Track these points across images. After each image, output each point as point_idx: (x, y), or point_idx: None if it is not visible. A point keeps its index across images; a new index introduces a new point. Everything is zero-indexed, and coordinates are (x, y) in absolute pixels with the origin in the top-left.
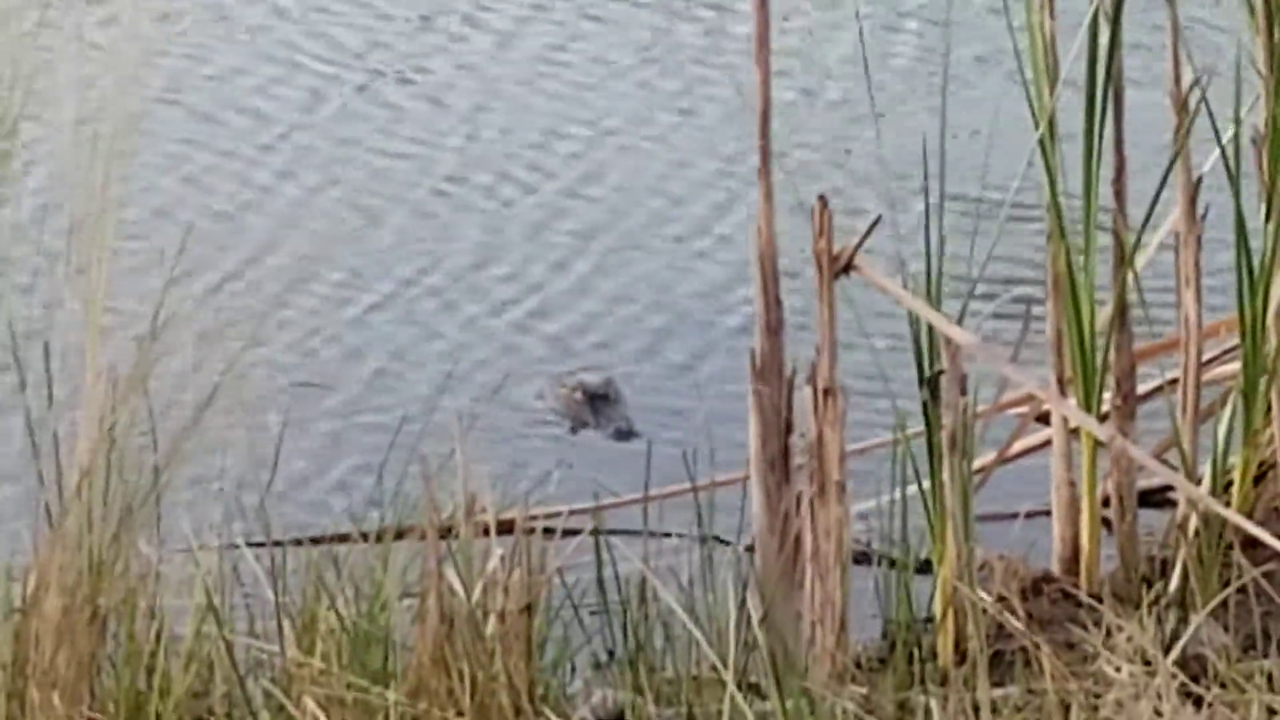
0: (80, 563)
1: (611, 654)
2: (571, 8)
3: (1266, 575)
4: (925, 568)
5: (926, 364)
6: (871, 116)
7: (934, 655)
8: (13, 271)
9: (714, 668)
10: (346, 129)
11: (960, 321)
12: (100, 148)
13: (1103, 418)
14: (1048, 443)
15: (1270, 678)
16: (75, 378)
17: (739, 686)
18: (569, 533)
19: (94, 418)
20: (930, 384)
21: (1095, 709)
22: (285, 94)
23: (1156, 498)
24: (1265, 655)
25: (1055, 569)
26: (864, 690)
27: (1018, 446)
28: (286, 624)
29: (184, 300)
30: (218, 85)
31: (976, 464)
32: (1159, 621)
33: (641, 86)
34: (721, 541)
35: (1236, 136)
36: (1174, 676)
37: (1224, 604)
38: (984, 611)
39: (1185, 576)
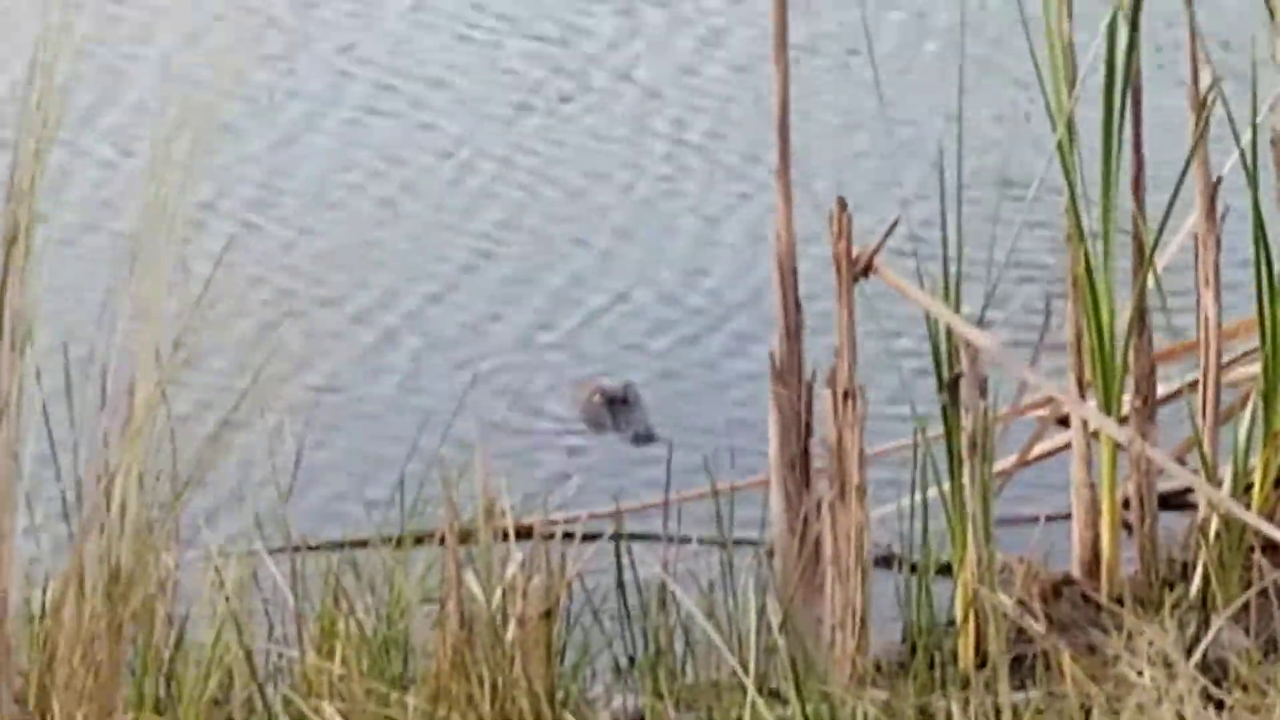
0: (100, 571)
1: (632, 659)
2: None
3: None
4: (945, 571)
5: (946, 367)
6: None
7: (955, 659)
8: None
9: (734, 673)
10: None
11: (980, 324)
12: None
13: (1122, 420)
14: (1067, 445)
15: None
16: (101, 386)
17: (759, 691)
18: (588, 537)
19: (117, 424)
20: (950, 387)
21: (1116, 713)
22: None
23: (1177, 500)
24: None
25: (1076, 572)
26: (885, 694)
27: (1037, 449)
28: (306, 630)
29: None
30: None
31: (996, 467)
32: (1180, 625)
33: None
34: (741, 545)
35: (1254, 137)
36: (1195, 680)
37: (1245, 607)
38: (1004, 615)
39: (1206, 579)
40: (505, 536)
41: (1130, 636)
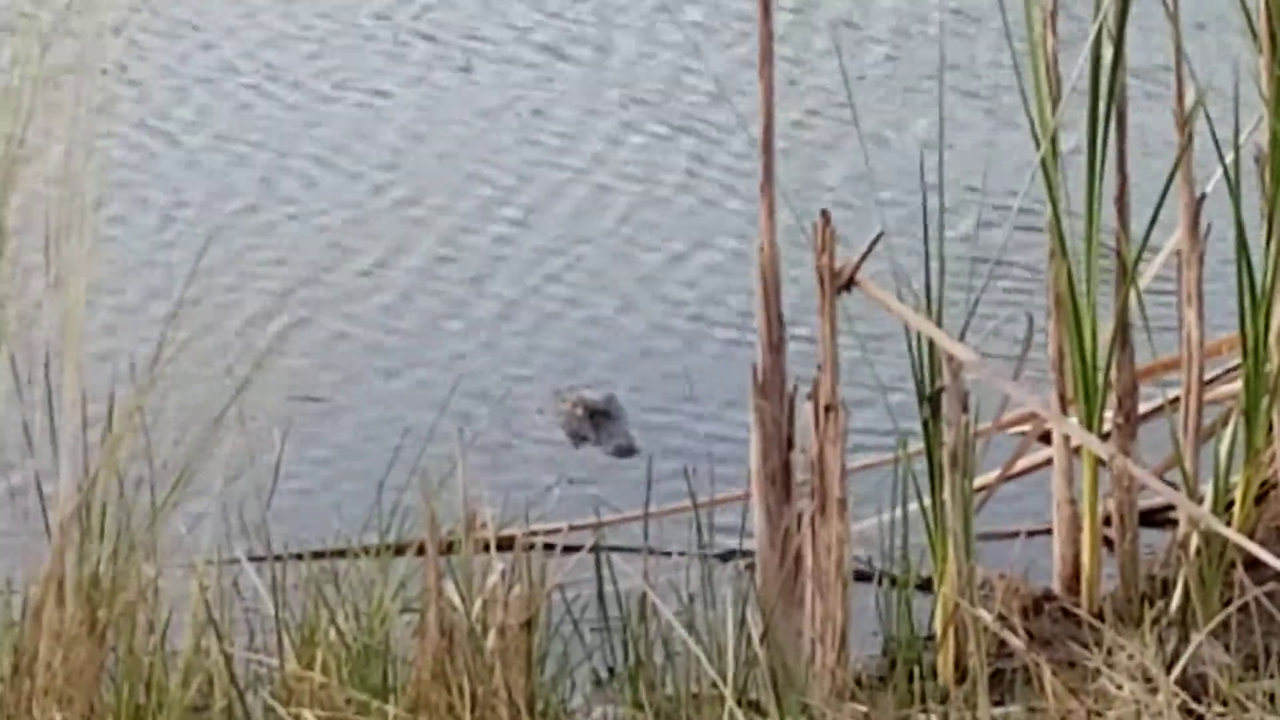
0: (80, 576)
1: (611, 670)
2: None
3: (1268, 594)
4: (926, 585)
5: (928, 381)
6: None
7: (935, 673)
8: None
9: (714, 684)
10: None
11: (962, 338)
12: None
13: (1104, 436)
14: (1049, 461)
15: (1272, 697)
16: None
17: (739, 704)
18: (569, 549)
19: (94, 430)
20: (931, 401)
21: None
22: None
23: (1158, 517)
24: (1267, 674)
25: (1056, 587)
26: (864, 708)
27: (1019, 465)
28: (286, 638)
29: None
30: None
31: (978, 482)
32: (1160, 640)
33: None
34: (722, 558)
35: (1236, 155)
36: (1175, 695)
37: (1225, 623)
38: (985, 629)
39: (1186, 595)
40: (486, 547)
41: (1110, 651)
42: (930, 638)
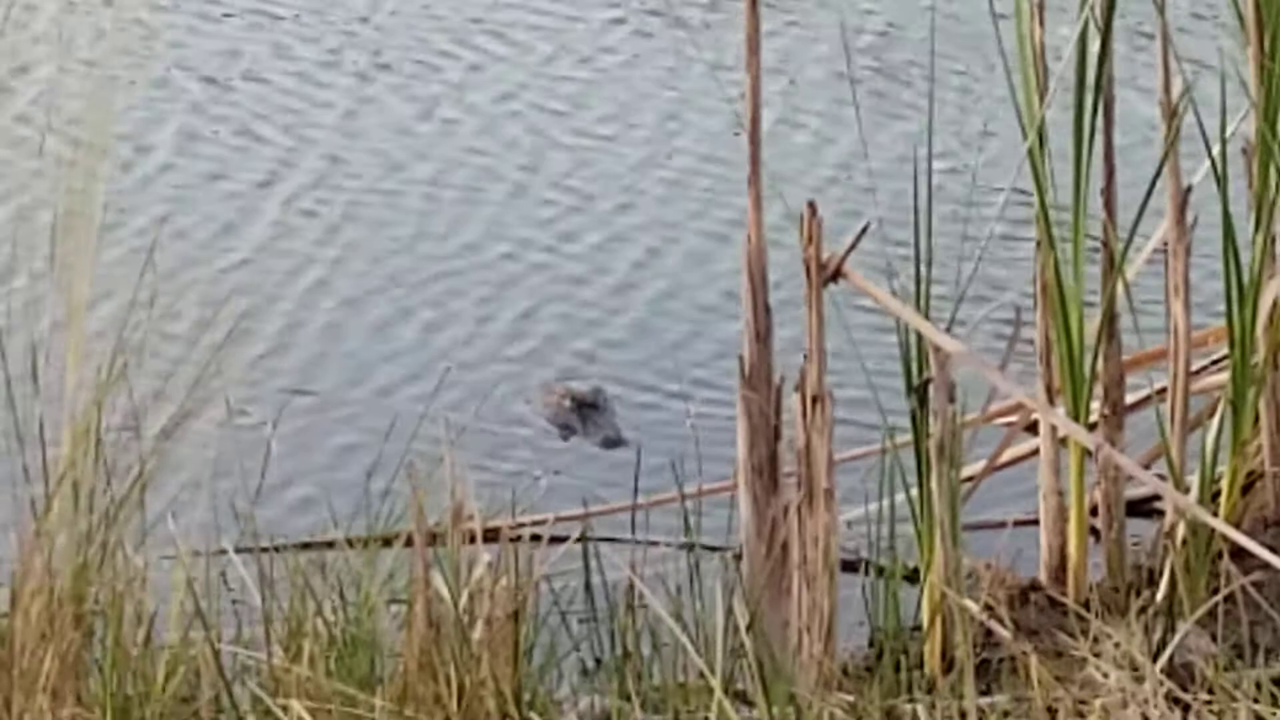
0: (66, 566)
1: (599, 660)
2: None
3: (1254, 584)
4: (913, 576)
5: (915, 372)
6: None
7: (921, 663)
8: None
9: (701, 675)
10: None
11: (949, 329)
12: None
13: (1091, 427)
14: (1036, 451)
15: (1258, 685)
16: (60, 377)
17: (726, 693)
18: (556, 540)
19: (78, 419)
20: (918, 392)
21: (1083, 716)
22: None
23: (1144, 507)
24: (1253, 663)
25: (1043, 577)
26: (851, 698)
27: (1006, 455)
28: (273, 630)
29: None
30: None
31: (964, 472)
32: (1146, 629)
33: None
34: (709, 549)
35: (1223, 146)
36: (1161, 684)
37: (1211, 612)
38: (972, 619)
39: (1173, 585)
40: (473, 538)
41: (1097, 641)
42: (917, 628)
